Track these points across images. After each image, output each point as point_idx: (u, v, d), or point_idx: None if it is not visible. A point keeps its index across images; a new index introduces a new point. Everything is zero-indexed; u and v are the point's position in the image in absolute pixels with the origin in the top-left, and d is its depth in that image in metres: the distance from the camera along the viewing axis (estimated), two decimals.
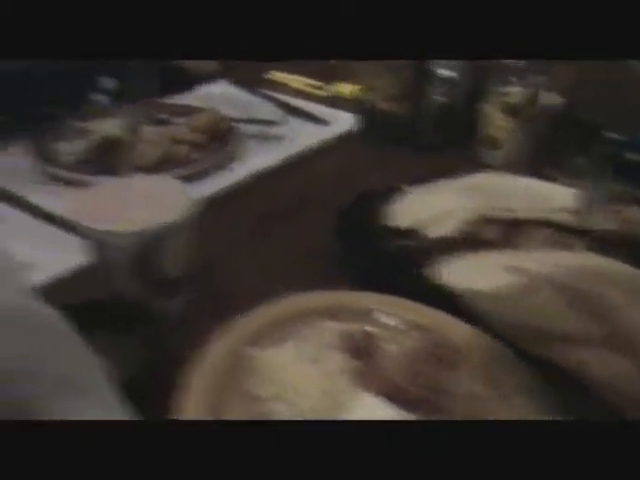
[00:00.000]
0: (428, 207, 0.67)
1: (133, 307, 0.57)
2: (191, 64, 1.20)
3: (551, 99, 0.89)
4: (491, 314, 0.49)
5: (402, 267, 0.61)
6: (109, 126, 0.89)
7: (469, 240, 0.62)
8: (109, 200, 0.58)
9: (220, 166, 0.88)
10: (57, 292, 0.59)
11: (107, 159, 0.85)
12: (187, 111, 0.98)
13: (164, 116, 0.96)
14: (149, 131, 0.89)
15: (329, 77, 1.19)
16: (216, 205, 0.78)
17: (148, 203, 0.57)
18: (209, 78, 1.19)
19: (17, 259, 0.48)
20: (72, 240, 0.68)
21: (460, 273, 0.54)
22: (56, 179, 0.82)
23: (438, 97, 0.92)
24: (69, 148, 0.86)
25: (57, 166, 0.83)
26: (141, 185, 0.60)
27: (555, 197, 0.71)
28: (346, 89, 1.15)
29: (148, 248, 0.55)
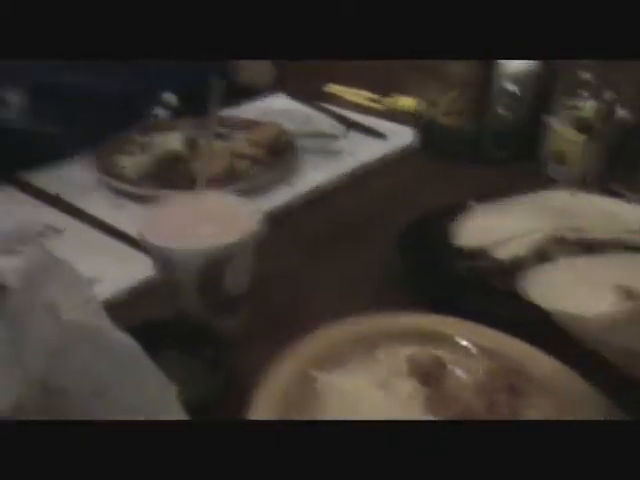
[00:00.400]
0: (497, 226, 0.65)
1: (197, 326, 0.56)
2: (250, 77, 1.20)
3: (621, 113, 0.86)
4: (597, 338, 0.46)
5: (471, 289, 0.59)
6: (171, 140, 0.90)
7: (541, 261, 0.60)
8: (176, 217, 0.58)
9: (279, 181, 0.87)
10: (121, 308, 0.59)
11: (169, 174, 0.85)
12: (247, 125, 0.98)
13: (224, 130, 0.96)
14: (208, 145, 0.90)
15: (388, 90, 1.18)
16: (275, 221, 0.78)
17: (216, 221, 0.56)
18: (268, 91, 1.19)
19: (83, 273, 0.48)
20: (136, 255, 0.69)
21: (552, 292, 0.51)
22: (120, 193, 0.83)
23: (502, 111, 0.90)
24: (133, 162, 0.87)
25: (121, 180, 0.84)
26: (209, 202, 0.60)
27: (628, 217, 0.68)
28: (405, 102, 1.13)
29: (215, 266, 0.54)
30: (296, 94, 1.18)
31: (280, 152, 0.91)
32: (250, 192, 0.82)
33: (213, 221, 0.57)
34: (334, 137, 0.99)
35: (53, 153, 0.90)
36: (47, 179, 0.86)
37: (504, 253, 0.61)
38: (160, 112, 1.08)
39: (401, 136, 1.01)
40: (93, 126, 0.97)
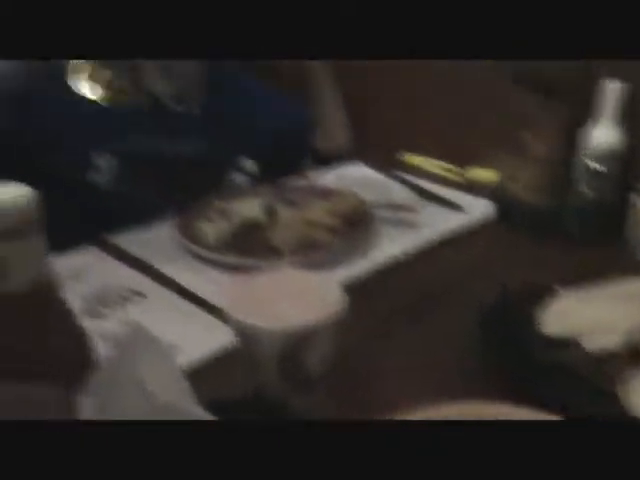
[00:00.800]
0: (584, 314, 0.63)
1: (274, 403, 0.56)
2: (328, 144, 1.23)
3: None
4: None
5: (557, 380, 0.57)
6: (248, 208, 0.91)
7: (634, 355, 0.57)
8: (258, 291, 0.59)
9: (355, 252, 0.87)
10: (199, 376, 0.59)
11: (247, 241, 0.87)
12: (325, 194, 0.99)
13: (302, 198, 0.97)
14: (286, 213, 0.91)
15: (466, 161, 1.17)
16: (350, 293, 0.77)
17: (299, 298, 0.56)
18: (344, 159, 1.21)
19: (164, 341, 0.49)
20: (216, 322, 0.70)
21: None
22: (200, 258, 0.85)
23: (586, 189, 0.88)
24: (213, 228, 0.89)
25: (201, 245, 0.86)
26: (292, 277, 0.60)
27: None
28: (484, 175, 1.12)
29: (296, 345, 0.54)
30: (373, 162, 1.19)
31: (357, 222, 0.92)
32: (326, 263, 0.82)
33: (296, 298, 0.57)
34: (410, 208, 0.98)
35: (138, 216, 0.93)
36: (132, 241, 0.89)
37: (593, 344, 0.59)
38: (240, 178, 1.11)
39: (479, 209, 1.00)
40: (177, 190, 1.00)
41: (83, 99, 1.01)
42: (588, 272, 0.74)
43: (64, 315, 0.48)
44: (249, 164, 1.12)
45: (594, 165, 0.87)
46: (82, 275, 0.80)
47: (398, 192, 1.08)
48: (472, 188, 1.09)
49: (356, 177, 1.14)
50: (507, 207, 0.97)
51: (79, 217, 0.96)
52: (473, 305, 0.70)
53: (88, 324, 0.62)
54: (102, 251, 0.87)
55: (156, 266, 0.83)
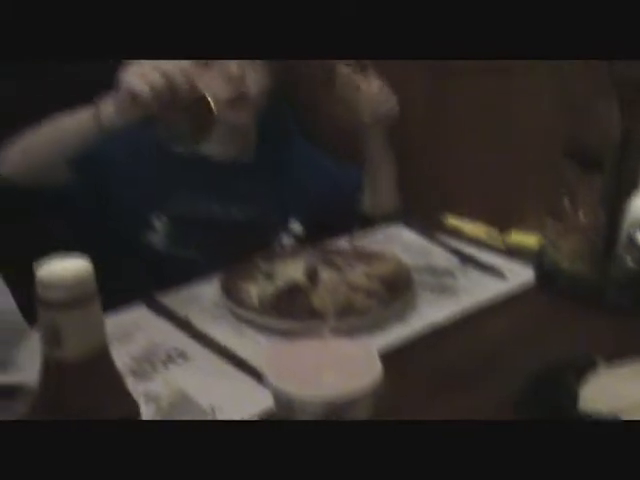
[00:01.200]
0: (629, 391, 0.62)
1: None
2: (373, 207, 1.25)
3: None
4: None
5: None
6: (292, 270, 0.94)
7: None
8: (298, 358, 0.60)
9: (395, 317, 0.88)
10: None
11: (290, 303, 0.88)
12: (366, 257, 1.00)
13: (344, 261, 0.99)
14: (328, 276, 0.93)
15: (508, 225, 1.18)
16: (389, 360, 0.78)
17: (339, 367, 0.58)
18: (386, 221, 1.22)
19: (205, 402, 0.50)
20: (256, 385, 0.71)
21: None
22: (243, 320, 0.87)
23: (629, 262, 0.87)
24: (256, 289, 0.91)
25: (243, 307, 0.88)
26: (332, 345, 0.61)
27: None
28: (526, 240, 1.12)
29: (335, 414, 0.55)
30: (414, 225, 1.20)
31: (398, 287, 0.93)
32: (366, 327, 0.83)
33: (335, 366, 0.58)
34: (451, 274, 0.99)
35: (186, 275, 0.96)
36: (177, 300, 0.92)
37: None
38: (285, 239, 1.14)
39: (520, 275, 1.00)
40: (223, 250, 1.03)
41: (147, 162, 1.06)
42: (630, 345, 0.73)
43: (113, 378, 0.51)
44: (296, 226, 1.16)
45: (637, 236, 0.86)
46: (130, 334, 0.83)
47: (439, 256, 1.08)
48: (514, 253, 1.09)
49: (398, 240, 1.16)
50: (549, 274, 0.96)
51: (131, 275, 0.99)
52: (512, 375, 0.70)
53: (134, 384, 0.65)
54: (150, 310, 0.90)
55: (200, 326, 0.86)
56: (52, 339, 0.44)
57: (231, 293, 0.91)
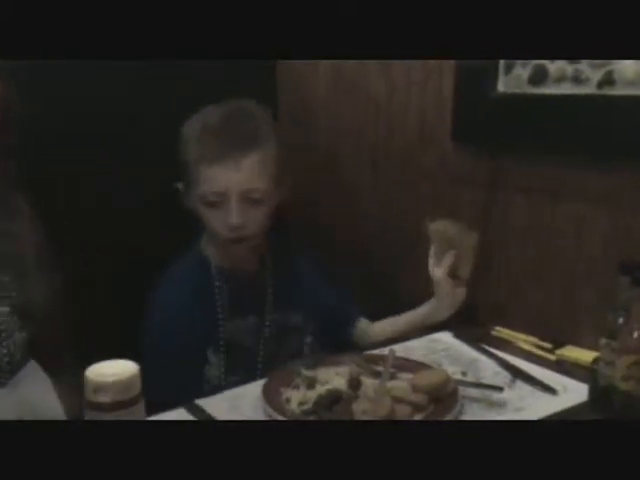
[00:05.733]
0: None
1: None
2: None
3: None
4: None
5: None
6: (334, 378, 0.92)
7: None
8: None
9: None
10: None
11: (332, 411, 0.87)
12: (412, 367, 0.98)
13: (387, 370, 0.97)
14: (371, 386, 0.91)
15: (561, 339, 1.14)
16: None
17: None
18: (435, 329, 1.20)
19: None
20: None
21: None
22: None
23: None
24: (297, 396, 0.90)
25: (282, 413, 0.87)
26: None
27: None
28: (579, 355, 1.08)
29: None
30: (462, 334, 1.18)
31: (443, 400, 0.90)
32: None
33: None
34: (499, 388, 0.96)
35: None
36: (216, 405, 0.91)
37: None
38: (309, 339, 1.16)
39: (573, 393, 0.96)
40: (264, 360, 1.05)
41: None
42: None
43: None
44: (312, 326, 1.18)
45: None
46: None
47: (487, 368, 1.05)
48: (565, 369, 1.05)
49: (445, 348, 1.14)
50: (603, 395, 0.92)
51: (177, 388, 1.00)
52: None
53: None
54: (190, 413, 0.89)
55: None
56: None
57: (272, 398, 0.90)
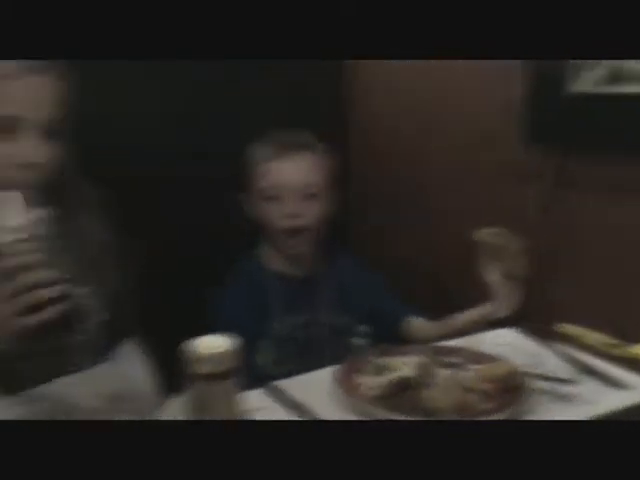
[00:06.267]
0: None
1: None
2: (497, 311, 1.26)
3: None
4: None
5: None
6: (403, 366, 0.96)
7: None
8: None
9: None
10: None
11: (400, 398, 0.90)
12: (480, 358, 1.01)
13: (457, 360, 1.00)
14: (442, 375, 0.94)
15: (632, 336, 1.14)
16: None
17: None
18: (503, 324, 1.22)
19: None
20: None
21: None
22: (352, 410, 0.89)
23: None
24: (370, 382, 0.94)
25: (356, 398, 0.91)
26: None
27: None
28: None
29: None
30: (528, 330, 1.19)
31: (511, 391, 0.92)
32: None
33: None
34: (567, 382, 0.97)
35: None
36: (295, 386, 0.96)
37: None
38: (356, 341, 1.21)
39: None
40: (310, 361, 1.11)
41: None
42: None
43: None
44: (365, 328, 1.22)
45: None
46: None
47: (553, 362, 1.06)
48: (634, 366, 1.05)
49: (510, 343, 1.15)
50: None
51: None
52: None
53: None
54: (268, 394, 0.94)
55: (314, 411, 0.89)
56: (200, 408, 0.50)
57: (343, 384, 0.94)
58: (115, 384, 0.80)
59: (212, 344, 0.51)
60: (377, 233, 1.61)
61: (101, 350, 0.89)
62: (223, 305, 1.22)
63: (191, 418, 0.50)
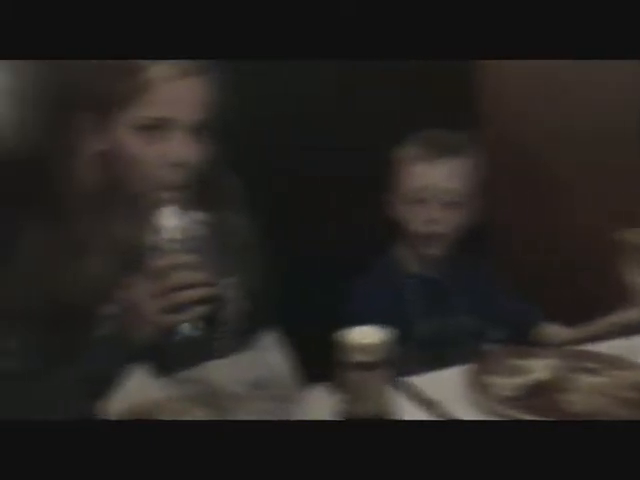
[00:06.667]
0: None
1: None
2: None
3: None
4: None
5: None
6: (542, 369, 0.94)
7: None
8: None
9: None
10: None
11: (537, 400, 0.89)
12: (617, 364, 0.97)
13: (594, 365, 0.97)
14: (581, 380, 0.92)
15: None
16: None
17: None
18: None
19: None
20: None
21: None
22: (485, 410, 0.89)
23: None
24: (503, 383, 0.93)
25: (489, 399, 0.90)
26: None
27: None
28: None
29: None
30: None
31: None
32: None
33: None
34: None
35: None
36: (428, 383, 0.97)
37: None
38: (486, 346, 1.18)
39: None
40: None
41: None
42: None
43: None
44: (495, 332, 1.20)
45: None
46: None
47: None
48: None
49: None
50: None
51: None
52: None
53: None
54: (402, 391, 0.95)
55: (443, 410, 0.89)
56: (352, 396, 0.52)
57: (477, 384, 0.94)
58: (257, 371, 0.84)
59: (366, 334, 0.53)
60: (506, 235, 1.58)
61: (243, 338, 0.94)
62: (359, 303, 1.22)
63: (341, 407, 0.52)
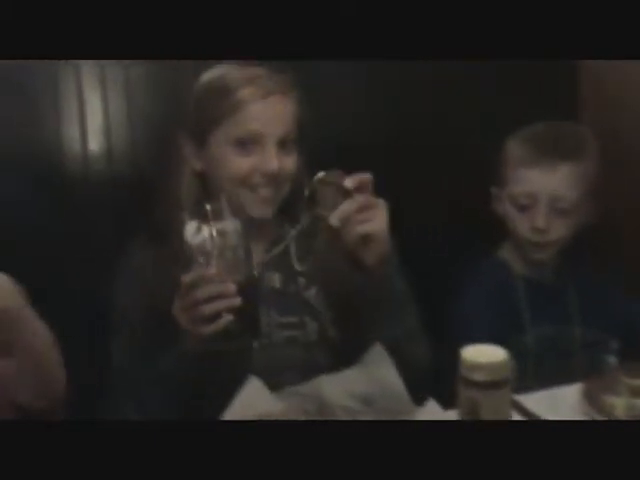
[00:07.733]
0: None
1: None
2: None
3: None
4: None
5: None
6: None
7: None
8: None
9: None
10: None
11: None
12: None
13: None
14: None
15: None
16: None
17: None
18: None
19: None
20: None
21: None
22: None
23: None
24: (621, 404, 0.89)
25: (608, 417, 0.86)
26: None
27: None
28: None
29: None
30: None
31: None
32: None
33: None
34: None
35: None
36: (536, 401, 0.93)
37: None
38: (610, 359, 1.11)
39: None
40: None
41: None
42: None
43: None
44: (615, 344, 1.12)
45: None
46: None
47: None
48: None
49: None
50: None
51: None
52: None
53: None
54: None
55: None
56: (471, 415, 0.51)
57: (594, 402, 0.90)
58: (366, 386, 0.84)
59: (487, 353, 0.52)
60: (616, 240, 1.51)
61: (342, 349, 0.95)
62: (465, 305, 1.17)
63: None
